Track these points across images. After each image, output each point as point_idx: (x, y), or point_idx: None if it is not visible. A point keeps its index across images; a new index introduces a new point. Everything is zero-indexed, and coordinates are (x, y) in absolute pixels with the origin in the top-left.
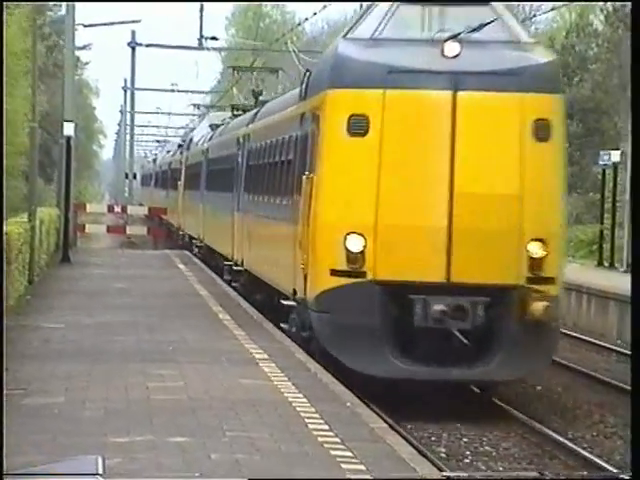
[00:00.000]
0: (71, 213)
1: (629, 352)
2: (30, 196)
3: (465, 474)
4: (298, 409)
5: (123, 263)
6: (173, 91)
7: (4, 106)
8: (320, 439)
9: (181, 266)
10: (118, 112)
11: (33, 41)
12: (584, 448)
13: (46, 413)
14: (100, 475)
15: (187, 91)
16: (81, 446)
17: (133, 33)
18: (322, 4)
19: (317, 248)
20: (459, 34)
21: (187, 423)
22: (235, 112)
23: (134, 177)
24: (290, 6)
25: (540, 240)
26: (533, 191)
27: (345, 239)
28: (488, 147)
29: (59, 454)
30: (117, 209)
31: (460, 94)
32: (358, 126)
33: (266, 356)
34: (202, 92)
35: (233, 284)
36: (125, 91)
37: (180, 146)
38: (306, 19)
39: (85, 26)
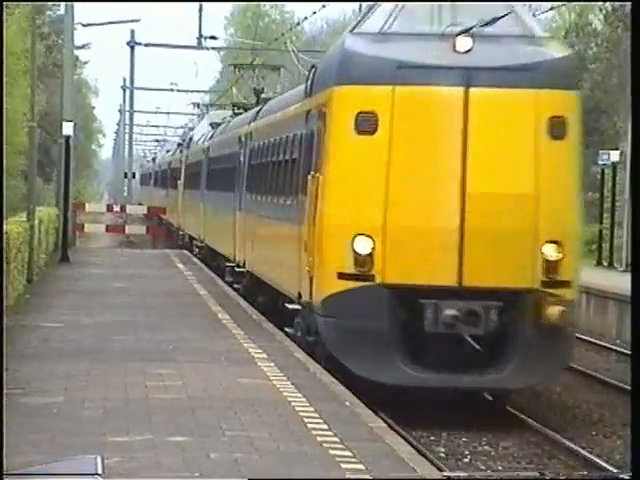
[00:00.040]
0: (70, 212)
1: (628, 352)
2: (29, 195)
3: (465, 474)
4: (297, 408)
5: (122, 262)
6: (172, 90)
7: (4, 106)
8: (319, 438)
9: (180, 266)
10: (117, 111)
11: (32, 41)
12: (583, 447)
13: (45, 412)
14: (99, 475)
15: (186, 90)
16: (80, 445)
17: (132, 32)
18: (321, 3)
19: (323, 250)
20: (471, 28)
21: (186, 422)
22: (236, 110)
23: (133, 176)
24: (289, 5)
25: (555, 242)
26: (548, 191)
27: (353, 241)
28: (501, 145)
29: (58, 454)
30: (116, 208)
31: (472, 90)
32: (366, 124)
33: (265, 355)
34: (201, 91)
35: (235, 286)
36: (124, 90)
37: (180, 145)
38: (305, 18)
39: (84, 25)
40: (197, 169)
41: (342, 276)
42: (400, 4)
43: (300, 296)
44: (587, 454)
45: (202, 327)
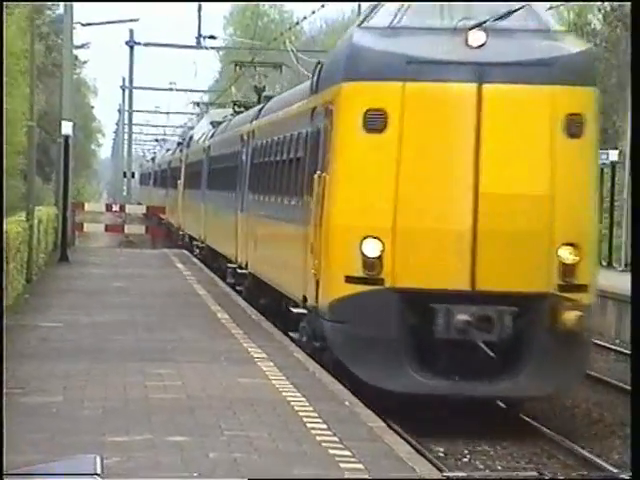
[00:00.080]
0: (69, 212)
1: (627, 351)
2: (28, 195)
3: (464, 474)
4: (296, 408)
5: (121, 262)
6: (171, 90)
7: (4, 106)
8: (318, 438)
9: (179, 265)
10: (116, 111)
11: (31, 40)
12: (582, 447)
13: (44, 412)
14: (98, 475)
15: (185, 90)
16: (79, 445)
17: (131, 32)
18: (320, 3)
19: (330, 253)
20: (484, 22)
21: (185, 422)
22: (237, 109)
23: (132, 176)
24: (288, 5)
25: (572, 244)
26: (564, 191)
27: (361, 243)
28: (516, 144)
29: (57, 453)
30: (115, 208)
31: (486, 87)
32: (375, 121)
33: (264, 355)
34: (200, 91)
35: (237, 287)
36: (123, 90)
37: (180, 144)
38: (304, 18)
39: (83, 25)
40: (197, 168)
41: (350, 280)
42: (406, 4)
43: (305, 300)
44: (586, 454)
45: (201, 327)
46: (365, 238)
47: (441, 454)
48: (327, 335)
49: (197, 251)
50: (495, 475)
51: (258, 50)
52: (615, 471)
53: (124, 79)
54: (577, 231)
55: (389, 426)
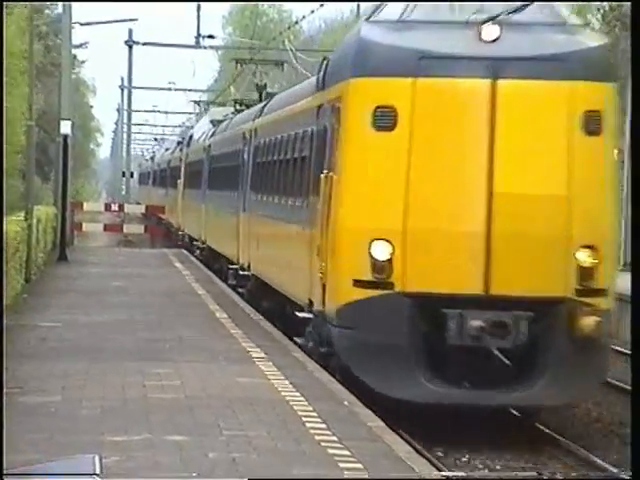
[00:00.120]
0: (68, 211)
1: (627, 351)
2: (27, 194)
3: (463, 473)
4: (295, 408)
5: (120, 262)
6: (170, 89)
7: (4, 105)
8: (317, 437)
9: (178, 265)
10: (115, 110)
11: (30, 40)
12: (582, 447)
13: (43, 412)
14: (97, 475)
15: (184, 89)
16: (78, 445)
17: (130, 31)
18: (319, 3)
19: (338, 256)
20: (498, 15)
21: (184, 422)
22: (238, 107)
23: (131, 176)
24: (287, 5)
25: (590, 247)
26: (582, 191)
27: (370, 246)
28: (532, 142)
29: (56, 453)
30: (114, 207)
31: (500, 82)
32: (384, 119)
33: (263, 355)
34: (199, 90)
35: (239, 290)
36: (122, 89)
37: (179, 143)
38: (303, 17)
39: (82, 24)
40: (198, 168)
41: (358, 284)
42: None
43: (311, 304)
44: (586, 453)
45: (200, 326)
46: (374, 240)
47: (440, 453)
48: (334, 341)
49: (197, 252)
50: (494, 475)
51: (257, 49)
52: (615, 471)
53: (123, 79)
54: (595, 233)
55: (388, 426)
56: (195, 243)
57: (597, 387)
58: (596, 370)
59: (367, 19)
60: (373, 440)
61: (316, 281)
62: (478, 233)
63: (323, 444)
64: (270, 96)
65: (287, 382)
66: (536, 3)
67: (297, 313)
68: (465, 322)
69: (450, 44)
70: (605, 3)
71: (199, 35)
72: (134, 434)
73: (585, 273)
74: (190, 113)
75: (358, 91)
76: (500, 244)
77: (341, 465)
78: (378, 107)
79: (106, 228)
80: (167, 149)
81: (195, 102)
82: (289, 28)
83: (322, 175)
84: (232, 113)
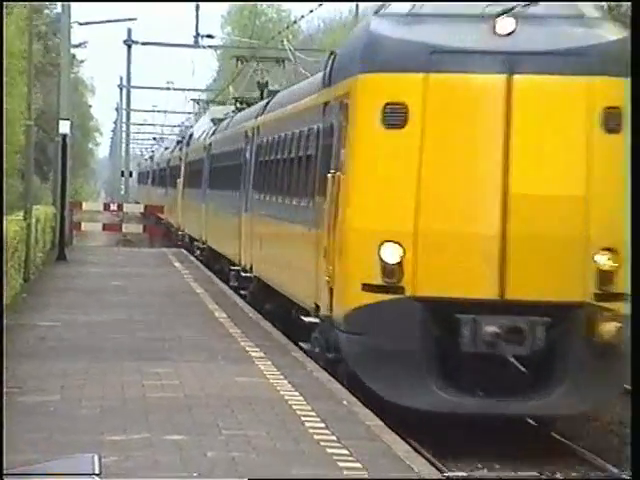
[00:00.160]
0: (67, 211)
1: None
2: (26, 194)
3: (464, 473)
4: (294, 407)
5: (119, 261)
6: (169, 89)
7: (4, 105)
8: (316, 437)
9: (177, 264)
10: (114, 110)
11: (29, 40)
12: (581, 447)
13: (42, 411)
14: (96, 475)
15: (183, 89)
16: (77, 444)
17: (129, 31)
18: (317, 2)
19: (346, 259)
20: (513, 8)
21: (183, 421)
22: (239, 106)
23: (130, 175)
24: (286, 4)
25: (610, 249)
26: (602, 192)
27: (379, 248)
28: (549, 140)
29: (55, 452)
30: (113, 207)
31: (516, 78)
32: (395, 116)
33: (262, 354)
34: (198, 90)
35: (241, 292)
36: (121, 89)
37: (179, 142)
38: (302, 17)
39: (81, 24)
40: (198, 167)
41: (367, 288)
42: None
43: (318, 308)
44: (585, 453)
45: (199, 326)
46: (384, 243)
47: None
48: (342, 347)
49: (198, 252)
50: (494, 475)
51: (256, 49)
52: (616, 471)
53: (122, 78)
54: (615, 235)
55: (387, 425)
56: (195, 243)
57: (617, 396)
58: (616, 378)
59: (376, 12)
60: (372, 439)
61: (323, 284)
62: (493, 235)
63: (322, 443)
64: (272, 94)
65: (286, 381)
66: None
67: (303, 318)
68: (479, 328)
69: (463, 38)
70: (605, 3)
71: (198, 35)
72: (133, 433)
73: (604, 277)
74: (189, 113)
75: (367, 87)
76: (516, 246)
77: (340, 464)
78: (388, 104)
79: (105, 228)
80: (166, 148)
81: (195, 101)
82: (288, 28)
83: (329, 175)
84: (233, 111)
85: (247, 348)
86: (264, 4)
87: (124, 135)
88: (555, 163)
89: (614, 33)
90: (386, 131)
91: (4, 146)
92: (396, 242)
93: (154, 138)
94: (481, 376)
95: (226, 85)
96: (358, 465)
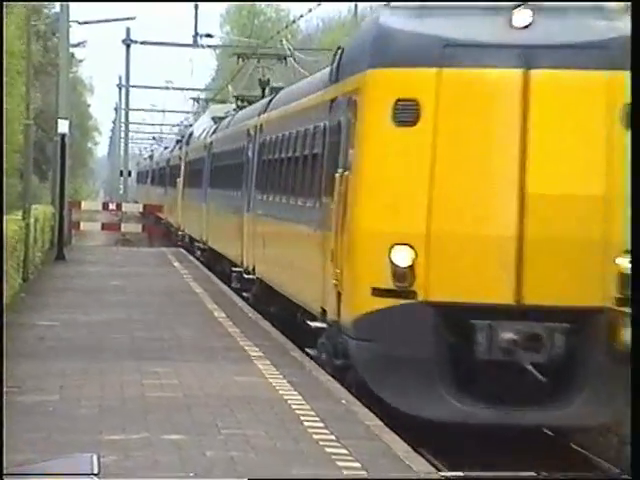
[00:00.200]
0: (66, 211)
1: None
2: (25, 194)
3: (461, 473)
4: (293, 407)
5: (118, 261)
6: (168, 88)
7: (4, 105)
8: (315, 436)
9: (176, 264)
10: (113, 109)
11: (28, 39)
12: (580, 446)
13: (41, 411)
14: (95, 474)
15: (182, 88)
16: (76, 444)
17: (128, 30)
18: (316, 2)
19: (355, 262)
20: None
21: (182, 421)
22: (240, 103)
23: (129, 174)
24: (284, 4)
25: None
26: (623, 191)
27: (390, 251)
28: (568, 137)
29: (54, 452)
30: (112, 207)
31: (533, 72)
32: (406, 113)
33: (261, 354)
34: (197, 89)
35: (244, 294)
36: (120, 88)
37: (179, 141)
38: (301, 16)
39: (80, 23)
40: (199, 166)
41: (377, 292)
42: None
43: (325, 313)
44: (585, 453)
45: (198, 325)
46: (395, 245)
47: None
48: (351, 354)
49: (198, 252)
50: (492, 474)
51: (255, 48)
52: (616, 471)
53: (120, 77)
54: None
55: (386, 424)
56: (196, 244)
57: None
58: None
59: (386, 4)
60: (371, 439)
61: (330, 288)
62: (509, 237)
63: (321, 443)
64: (275, 91)
65: (285, 381)
66: None
67: (309, 322)
68: (495, 334)
69: (478, 31)
70: (604, 3)
71: (197, 34)
72: (132, 433)
73: (627, 280)
74: (188, 112)
75: (377, 82)
76: (533, 249)
77: (339, 464)
78: (399, 100)
79: (104, 227)
80: (166, 147)
81: (194, 99)
82: (287, 27)
83: (337, 174)
84: (234, 110)
85: (246, 347)
86: (263, 4)
87: (123, 134)
88: (574, 161)
89: None
90: (397, 128)
91: (4, 146)
92: (407, 244)
93: (153, 137)
94: (497, 385)
95: (225, 84)
96: (357, 464)
